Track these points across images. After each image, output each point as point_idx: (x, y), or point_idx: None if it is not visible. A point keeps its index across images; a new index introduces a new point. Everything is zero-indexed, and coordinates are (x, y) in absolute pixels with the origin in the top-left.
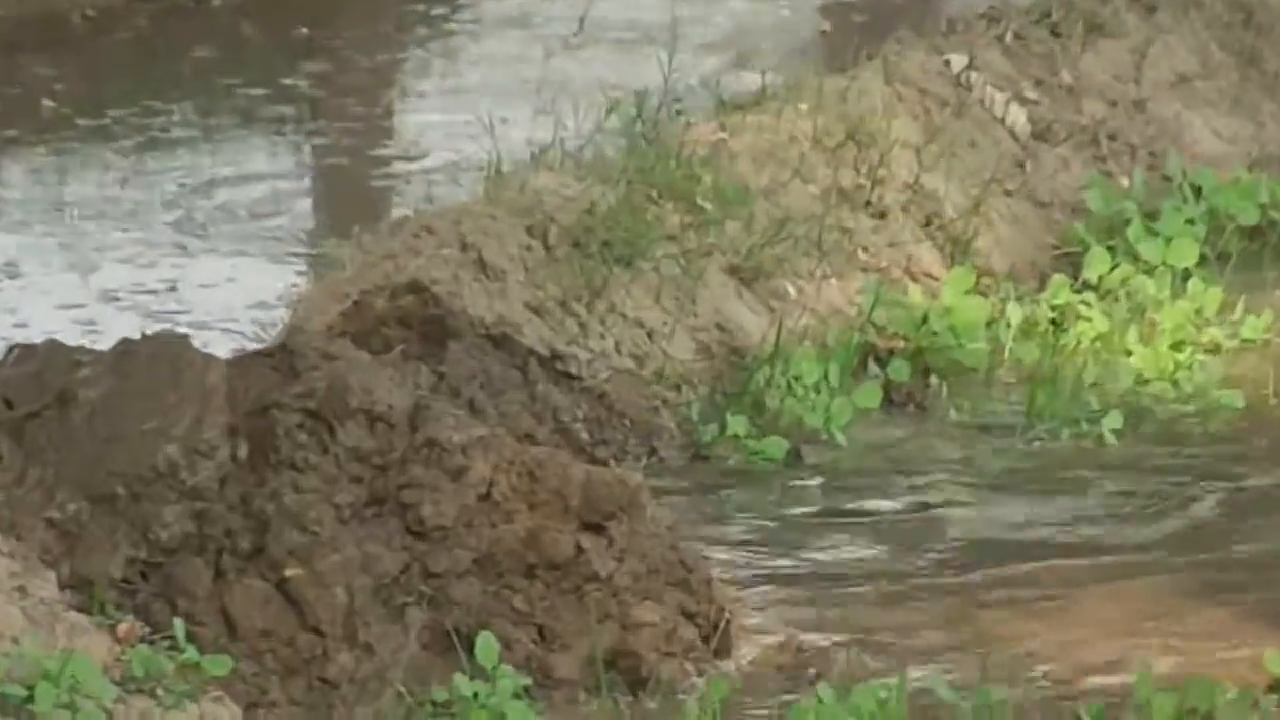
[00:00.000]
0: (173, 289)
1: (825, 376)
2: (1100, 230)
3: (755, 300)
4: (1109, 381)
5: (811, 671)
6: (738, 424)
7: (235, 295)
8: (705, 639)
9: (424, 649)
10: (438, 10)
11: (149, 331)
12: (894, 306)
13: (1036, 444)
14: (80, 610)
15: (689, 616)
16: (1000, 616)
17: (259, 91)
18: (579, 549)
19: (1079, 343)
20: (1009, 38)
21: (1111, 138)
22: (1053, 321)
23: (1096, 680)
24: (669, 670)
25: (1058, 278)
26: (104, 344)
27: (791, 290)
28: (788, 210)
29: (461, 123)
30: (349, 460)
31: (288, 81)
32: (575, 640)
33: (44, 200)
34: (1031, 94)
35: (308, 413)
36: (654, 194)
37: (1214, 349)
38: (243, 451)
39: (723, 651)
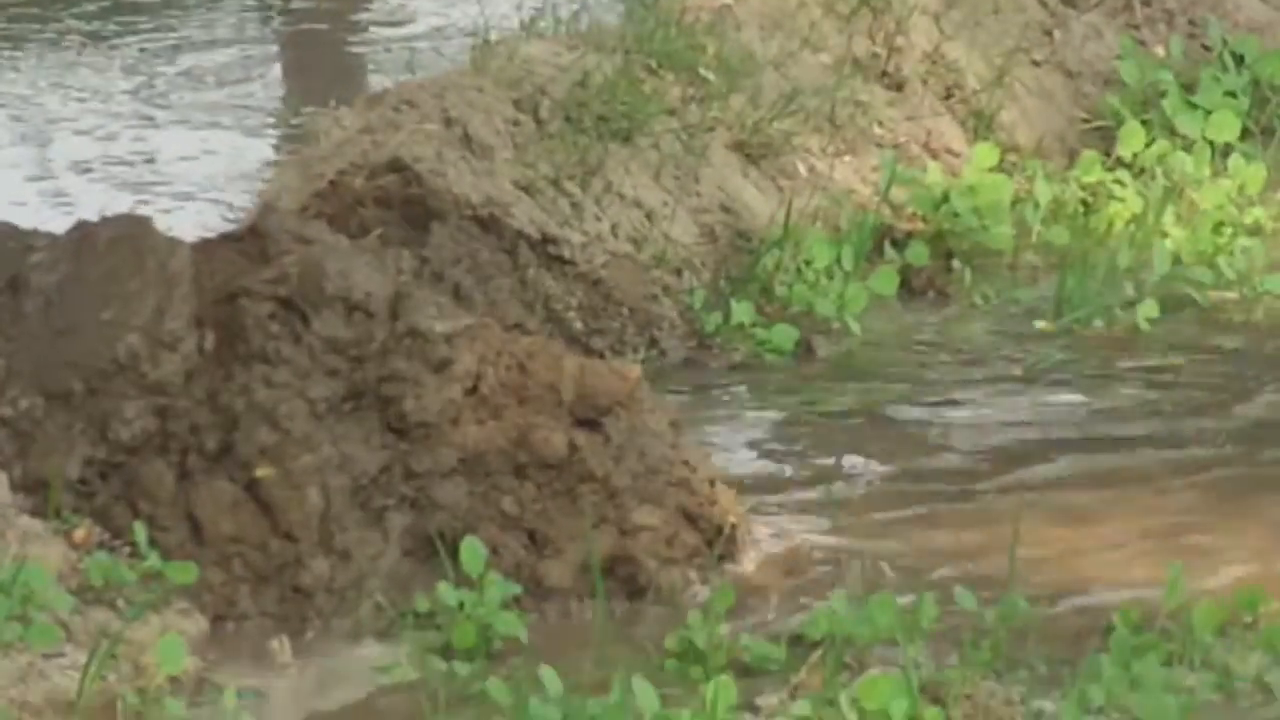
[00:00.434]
0: (150, 160)
1: (838, 260)
2: (1134, 103)
3: (762, 179)
4: (1144, 266)
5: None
6: (743, 312)
7: (216, 166)
8: (709, 544)
9: (405, 555)
10: None
11: (118, 209)
12: (912, 185)
13: (1067, 333)
14: (34, 514)
15: (691, 520)
16: (1027, 521)
17: None
18: (573, 447)
19: (1112, 224)
20: None
21: (1146, 3)
22: (1083, 202)
23: (1130, 589)
24: (670, 578)
25: (1088, 154)
26: (78, 218)
27: (801, 168)
28: (797, 82)
29: None
30: (324, 352)
31: None
32: (568, 545)
33: None
34: None
35: (279, 301)
36: (653, 64)
37: (1257, 231)
38: (209, 343)
39: (728, 558)
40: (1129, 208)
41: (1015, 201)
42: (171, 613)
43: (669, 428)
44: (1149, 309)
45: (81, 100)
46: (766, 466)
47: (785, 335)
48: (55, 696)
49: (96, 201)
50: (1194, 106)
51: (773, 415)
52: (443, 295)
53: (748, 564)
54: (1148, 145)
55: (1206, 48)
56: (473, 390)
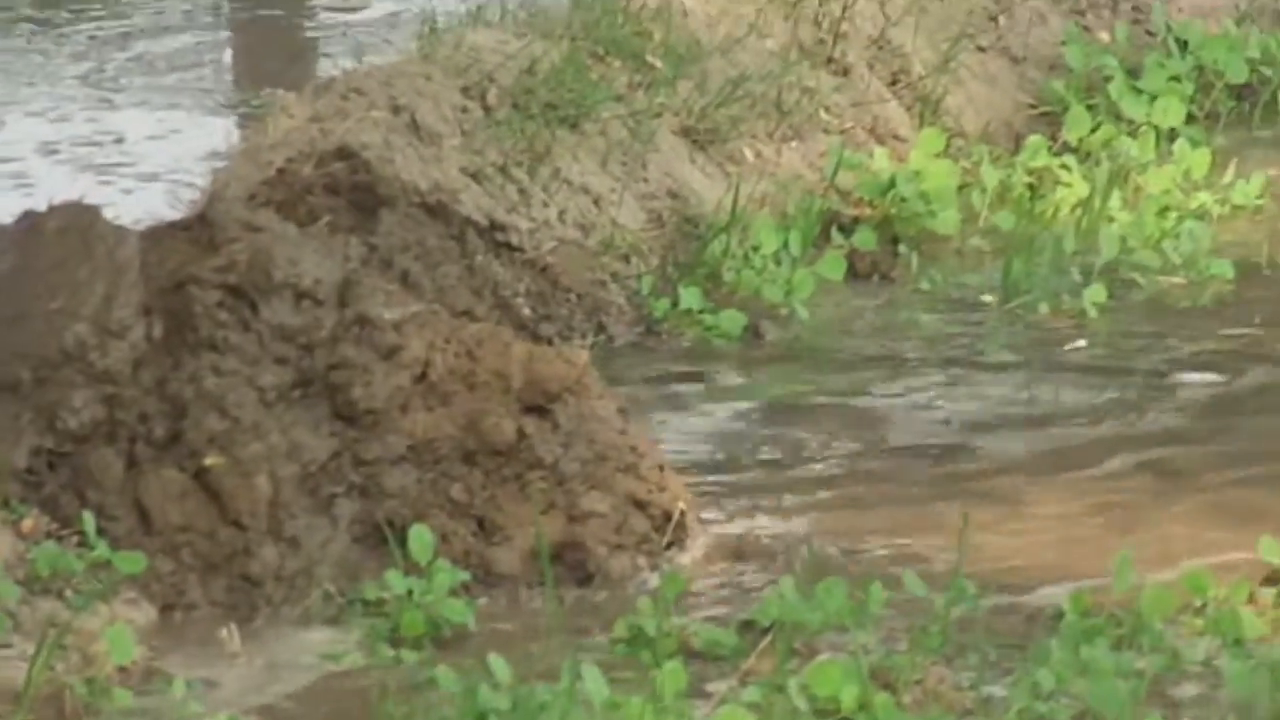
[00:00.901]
0: (119, 140)
1: (785, 246)
2: (1080, 88)
3: (709, 164)
4: (1090, 251)
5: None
6: (691, 297)
7: (180, 147)
8: (658, 530)
9: (354, 543)
10: None
11: (81, 190)
12: (859, 170)
13: (1013, 318)
14: None
15: (640, 506)
16: (974, 506)
17: None
18: (521, 434)
19: (1058, 209)
20: None
21: None
22: (1029, 186)
23: (1079, 573)
24: (619, 564)
25: (1035, 139)
26: (39, 200)
27: (748, 154)
28: (744, 68)
29: None
30: (273, 339)
31: None
32: (517, 532)
33: None
34: None
35: (228, 288)
36: (600, 51)
37: (1203, 215)
38: (158, 331)
39: (677, 544)
40: (1075, 192)
41: (961, 186)
42: (120, 602)
43: (617, 414)
44: (1096, 293)
45: (32, 85)
46: (715, 452)
47: (733, 320)
48: (3, 687)
49: (58, 183)
50: (1139, 92)
51: (721, 401)
52: (391, 282)
53: (697, 550)
54: (1093, 130)
55: (1151, 33)
56: (421, 377)
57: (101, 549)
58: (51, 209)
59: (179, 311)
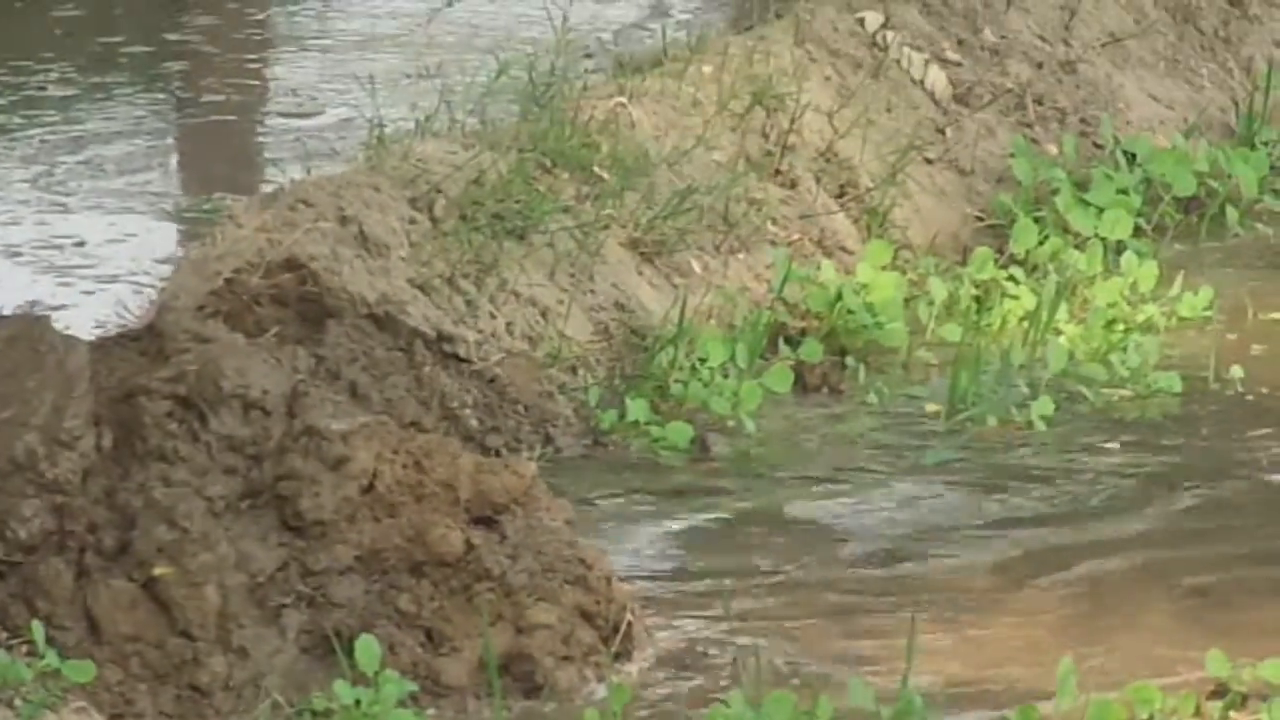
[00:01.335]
0: (80, 244)
1: (732, 358)
2: (1027, 201)
3: (657, 276)
4: (1038, 363)
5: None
6: (639, 409)
7: (141, 250)
8: (605, 641)
9: (302, 653)
10: None
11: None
12: (806, 283)
13: (960, 431)
14: None
15: (588, 617)
16: (921, 619)
17: (140, 49)
18: (469, 545)
19: (1005, 321)
20: None
21: (1039, 101)
22: (976, 299)
23: (1024, 685)
24: (566, 675)
25: (982, 251)
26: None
27: (696, 266)
28: (691, 180)
29: (348, 78)
30: (221, 450)
31: (172, 37)
32: (465, 644)
33: None
34: (952, 54)
35: (177, 399)
36: (548, 162)
37: (1149, 328)
38: (107, 441)
39: (624, 655)
40: (1022, 305)
41: (909, 299)
42: (69, 711)
43: (565, 525)
44: (1043, 406)
45: None
46: (662, 564)
47: (680, 433)
48: None
49: (18, 284)
50: (1087, 204)
51: (668, 512)
52: (339, 393)
53: (644, 661)
54: (1041, 243)
55: (1099, 146)
56: (369, 488)
57: (51, 658)
58: (1, 319)
59: (129, 421)
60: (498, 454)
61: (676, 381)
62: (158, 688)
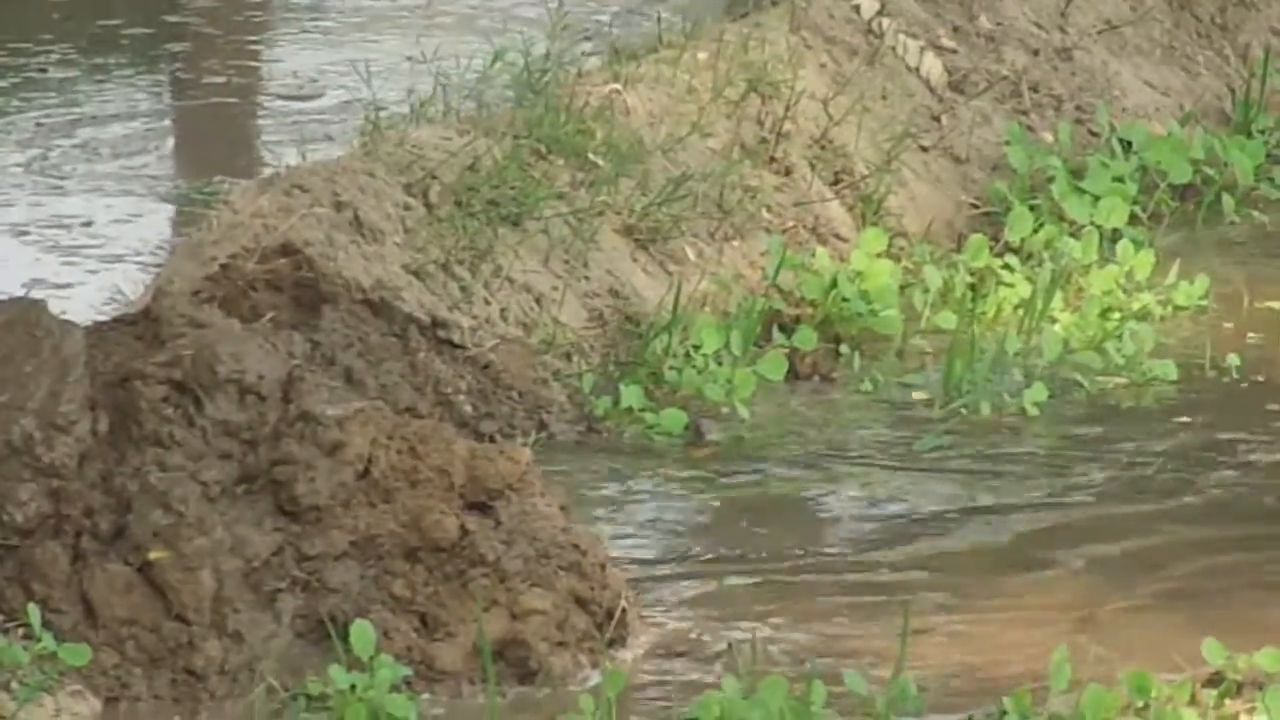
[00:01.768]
0: (88, 224)
1: (726, 345)
2: (1022, 188)
3: (651, 263)
4: (1032, 351)
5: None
6: (633, 396)
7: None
8: (599, 627)
9: (297, 638)
10: None
11: (46, 271)
12: (800, 270)
13: (954, 419)
14: None
15: (582, 603)
16: (914, 604)
17: (140, 31)
18: (464, 531)
19: (1000, 309)
20: None
21: (1034, 89)
22: (971, 286)
23: (1020, 672)
24: (561, 661)
25: (977, 239)
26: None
27: (690, 253)
28: (686, 167)
29: (348, 61)
30: (217, 435)
31: (172, 19)
32: (460, 629)
33: None
34: (948, 42)
35: (173, 384)
36: (542, 149)
37: (1145, 316)
38: (103, 426)
39: (618, 641)
40: (1017, 293)
41: (903, 286)
42: (65, 694)
43: (559, 511)
44: (1037, 394)
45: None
46: (657, 550)
47: (674, 419)
48: None
49: (25, 263)
50: (1082, 192)
51: (662, 498)
52: (334, 379)
53: (638, 647)
54: (1036, 230)
55: (1094, 134)
56: (364, 474)
57: (47, 641)
58: None
59: (124, 406)
60: (492, 440)
61: (671, 368)
62: (153, 671)
